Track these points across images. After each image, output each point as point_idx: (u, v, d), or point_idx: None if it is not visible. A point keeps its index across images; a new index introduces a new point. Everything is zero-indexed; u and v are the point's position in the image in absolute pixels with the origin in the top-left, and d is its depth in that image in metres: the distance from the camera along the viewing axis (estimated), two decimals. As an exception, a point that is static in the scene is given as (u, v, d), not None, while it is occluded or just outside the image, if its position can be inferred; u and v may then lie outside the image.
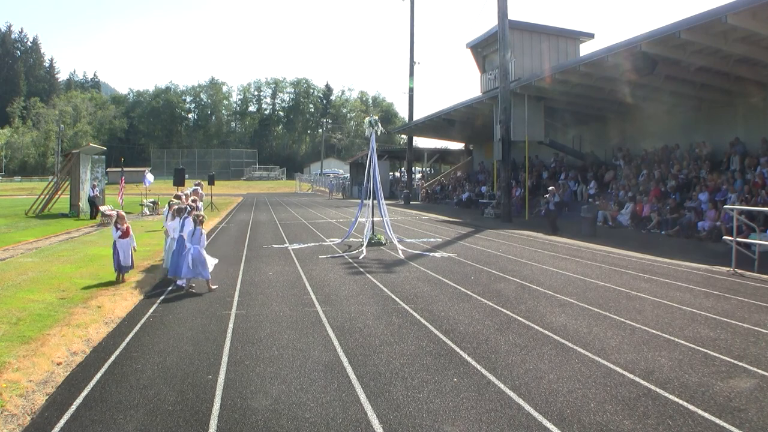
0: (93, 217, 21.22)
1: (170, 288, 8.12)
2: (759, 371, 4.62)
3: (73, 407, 4.03)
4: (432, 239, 14.25)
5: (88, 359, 5.10)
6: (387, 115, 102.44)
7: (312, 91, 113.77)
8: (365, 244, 12.40)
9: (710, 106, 18.24)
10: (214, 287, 7.98)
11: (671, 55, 15.03)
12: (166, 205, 10.15)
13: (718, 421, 3.70)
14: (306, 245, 13.12)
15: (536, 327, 5.98)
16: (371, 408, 3.94)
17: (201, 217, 8.19)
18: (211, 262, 8.06)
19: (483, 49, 26.84)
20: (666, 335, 5.66)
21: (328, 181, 53.07)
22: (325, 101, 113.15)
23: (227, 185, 63.55)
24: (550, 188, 17.52)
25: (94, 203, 21.79)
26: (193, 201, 10.45)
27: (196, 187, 13.72)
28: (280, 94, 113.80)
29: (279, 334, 5.76)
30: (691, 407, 3.91)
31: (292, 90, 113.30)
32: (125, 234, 8.63)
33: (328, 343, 5.48)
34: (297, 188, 65.38)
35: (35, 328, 5.95)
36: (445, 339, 5.57)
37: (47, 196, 23.83)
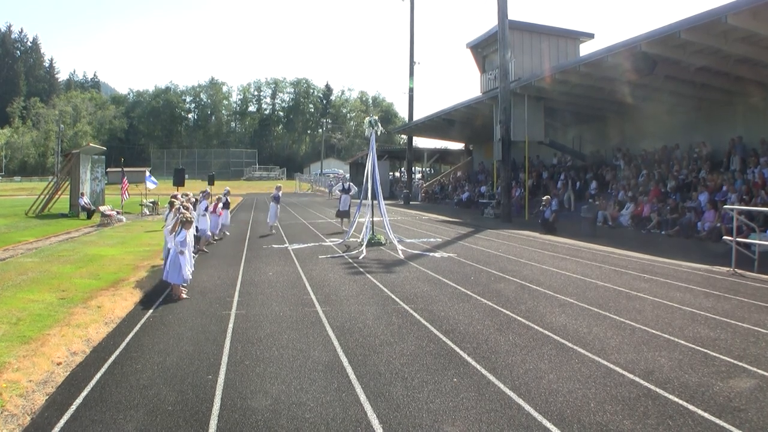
0: (89, 217, 21.22)
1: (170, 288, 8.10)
2: (759, 371, 4.62)
3: (73, 407, 4.03)
4: (432, 239, 14.25)
5: (88, 359, 5.10)
6: (387, 115, 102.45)
7: (312, 91, 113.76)
8: (365, 244, 12.40)
9: (710, 106, 18.23)
10: (184, 296, 7.50)
11: (671, 55, 15.03)
12: (167, 205, 10.17)
13: (718, 421, 3.70)
14: (306, 245, 13.12)
15: (536, 327, 5.98)
16: (371, 408, 3.94)
17: (184, 217, 7.67)
18: (189, 268, 7.65)
19: (483, 49, 26.85)
20: (666, 335, 5.66)
21: (328, 181, 53.06)
22: (325, 101, 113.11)
23: (227, 185, 63.45)
24: (545, 197, 17.48)
25: (87, 209, 21.82)
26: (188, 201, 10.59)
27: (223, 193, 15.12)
28: (280, 94, 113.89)
29: (279, 334, 5.76)
30: (691, 407, 3.91)
31: (292, 90, 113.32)
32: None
33: (328, 343, 5.48)
34: (297, 188, 65.33)
35: (35, 328, 5.95)
36: (445, 339, 5.57)
37: (47, 196, 23.83)
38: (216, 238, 14.01)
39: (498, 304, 7.07)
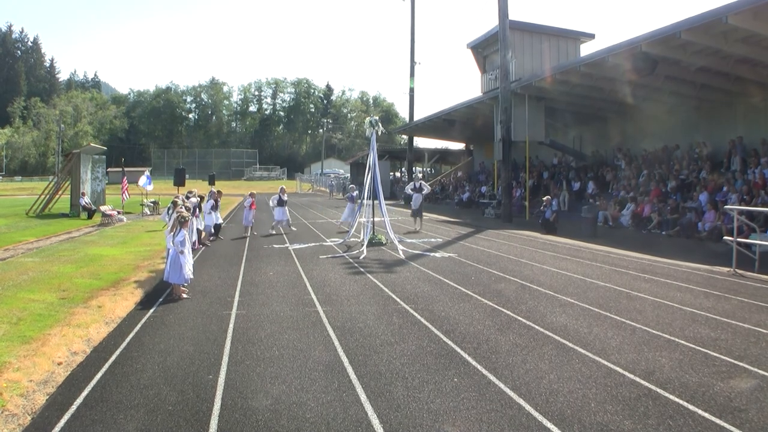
0: (90, 217, 21.23)
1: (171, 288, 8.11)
2: (759, 371, 4.62)
3: (74, 407, 4.04)
4: (432, 239, 14.24)
5: (88, 359, 5.11)
6: (387, 115, 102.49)
7: (312, 91, 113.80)
8: (366, 244, 12.40)
9: (710, 106, 18.23)
10: (184, 296, 7.52)
11: (671, 55, 15.02)
12: (170, 204, 10.18)
13: (718, 421, 3.70)
14: (306, 245, 13.12)
15: (537, 327, 5.98)
16: (372, 408, 3.94)
17: (181, 217, 7.62)
18: (189, 267, 7.65)
19: (483, 49, 26.85)
20: (666, 335, 5.66)
21: (329, 181, 53.05)
22: (325, 101, 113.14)
23: (228, 185, 63.42)
24: (545, 197, 17.46)
25: (87, 209, 21.84)
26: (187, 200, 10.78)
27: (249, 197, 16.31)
28: (281, 94, 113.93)
29: (279, 334, 5.76)
30: (691, 407, 3.91)
31: (293, 90, 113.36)
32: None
33: (329, 343, 5.48)
34: (297, 188, 65.35)
35: (36, 327, 5.95)
36: (445, 339, 5.57)
37: (47, 196, 23.85)
38: (271, 230, 16.12)
39: (499, 304, 7.07)
